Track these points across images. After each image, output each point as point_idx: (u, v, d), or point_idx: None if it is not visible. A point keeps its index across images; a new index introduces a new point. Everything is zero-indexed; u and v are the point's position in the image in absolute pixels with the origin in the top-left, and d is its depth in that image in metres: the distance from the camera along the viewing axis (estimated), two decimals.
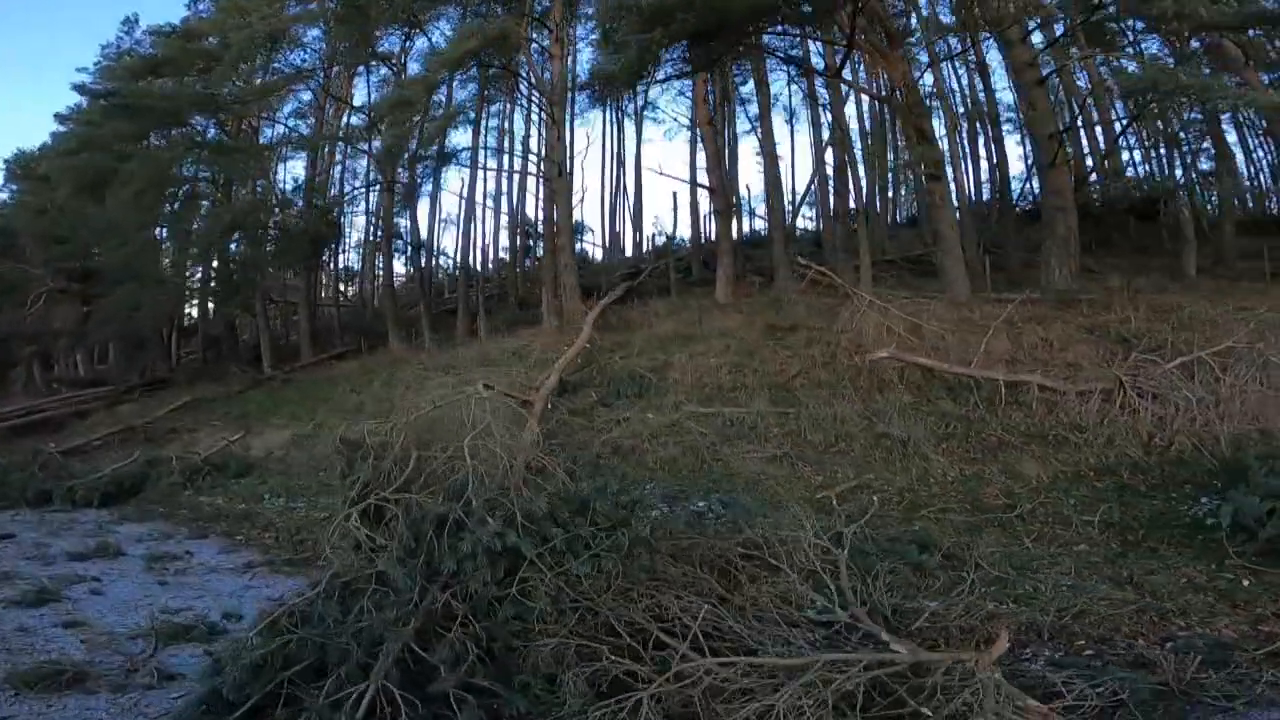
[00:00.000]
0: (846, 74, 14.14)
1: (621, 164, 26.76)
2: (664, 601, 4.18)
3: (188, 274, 18.58)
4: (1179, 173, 16.22)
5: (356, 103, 20.42)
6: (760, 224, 24.68)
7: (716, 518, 6.25)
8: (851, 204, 15.46)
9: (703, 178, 21.16)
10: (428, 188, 19.70)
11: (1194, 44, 13.24)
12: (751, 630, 3.85)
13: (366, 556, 4.58)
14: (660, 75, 12.10)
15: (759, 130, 16.89)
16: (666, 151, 73.41)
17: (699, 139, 18.36)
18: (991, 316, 10.83)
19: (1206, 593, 4.44)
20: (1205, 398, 7.83)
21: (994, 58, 15.68)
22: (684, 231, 31.18)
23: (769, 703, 2.89)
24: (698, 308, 14.77)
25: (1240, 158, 16.81)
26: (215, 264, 17.40)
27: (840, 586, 4.18)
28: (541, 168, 16.35)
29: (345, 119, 20.54)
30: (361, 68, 19.40)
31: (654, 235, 29.80)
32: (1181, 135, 14.96)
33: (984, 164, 20.70)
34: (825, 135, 21.01)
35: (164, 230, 18.39)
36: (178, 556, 6.90)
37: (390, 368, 14.95)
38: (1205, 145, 14.91)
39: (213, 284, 16.38)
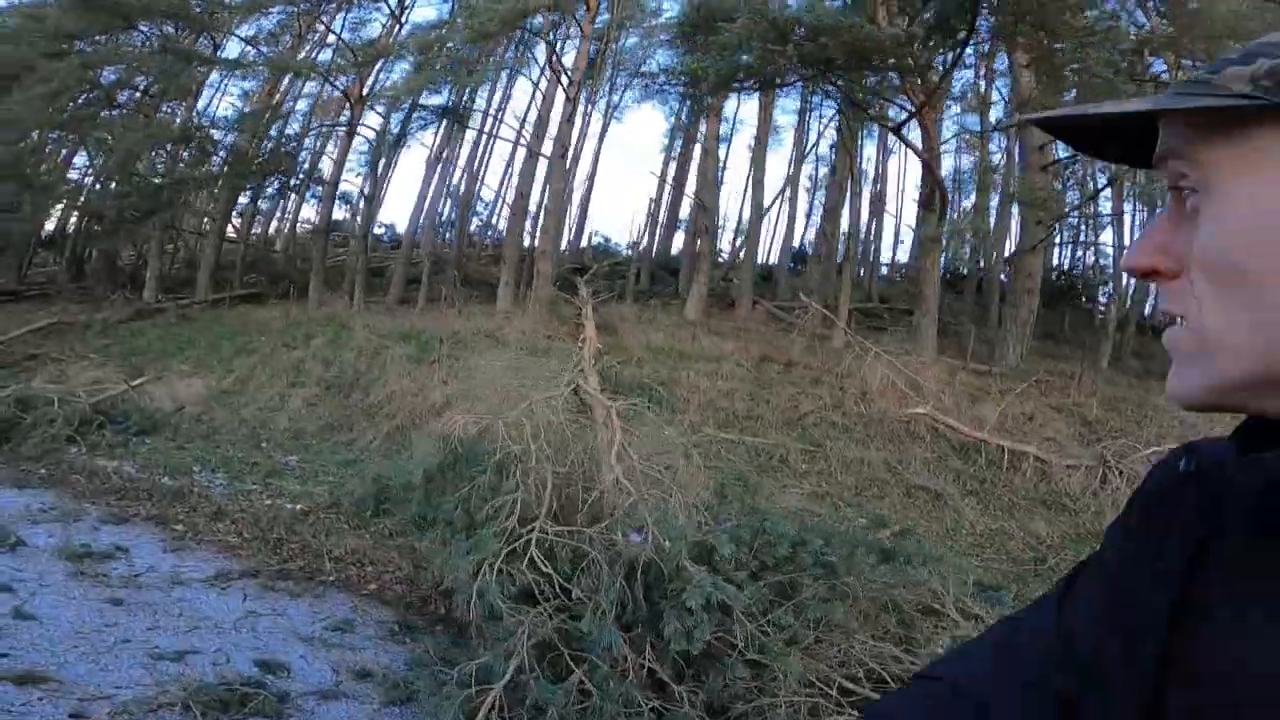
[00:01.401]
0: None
1: (576, 159, 25.32)
2: (852, 648, 3.69)
3: (78, 180, 14.68)
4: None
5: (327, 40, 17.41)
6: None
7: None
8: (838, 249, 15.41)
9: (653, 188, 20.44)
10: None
11: None
12: None
13: (548, 613, 3.34)
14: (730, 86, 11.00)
15: (752, 156, 16.40)
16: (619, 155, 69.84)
17: (700, 153, 17.50)
18: (971, 385, 11.12)
19: None
20: None
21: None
22: (625, 238, 30.30)
23: None
24: (675, 323, 13.96)
25: None
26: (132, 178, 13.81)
27: None
28: (548, 146, 14.65)
29: (315, 53, 17.44)
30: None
31: (591, 235, 28.66)
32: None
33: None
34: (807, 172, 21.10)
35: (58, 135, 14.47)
36: (109, 555, 4.87)
37: (328, 325, 12.58)
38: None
39: (129, 197, 12.86)
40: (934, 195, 12.67)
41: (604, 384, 9.25)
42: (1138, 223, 16.71)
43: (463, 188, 21.75)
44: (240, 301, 15.48)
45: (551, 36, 14.23)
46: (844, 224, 17.35)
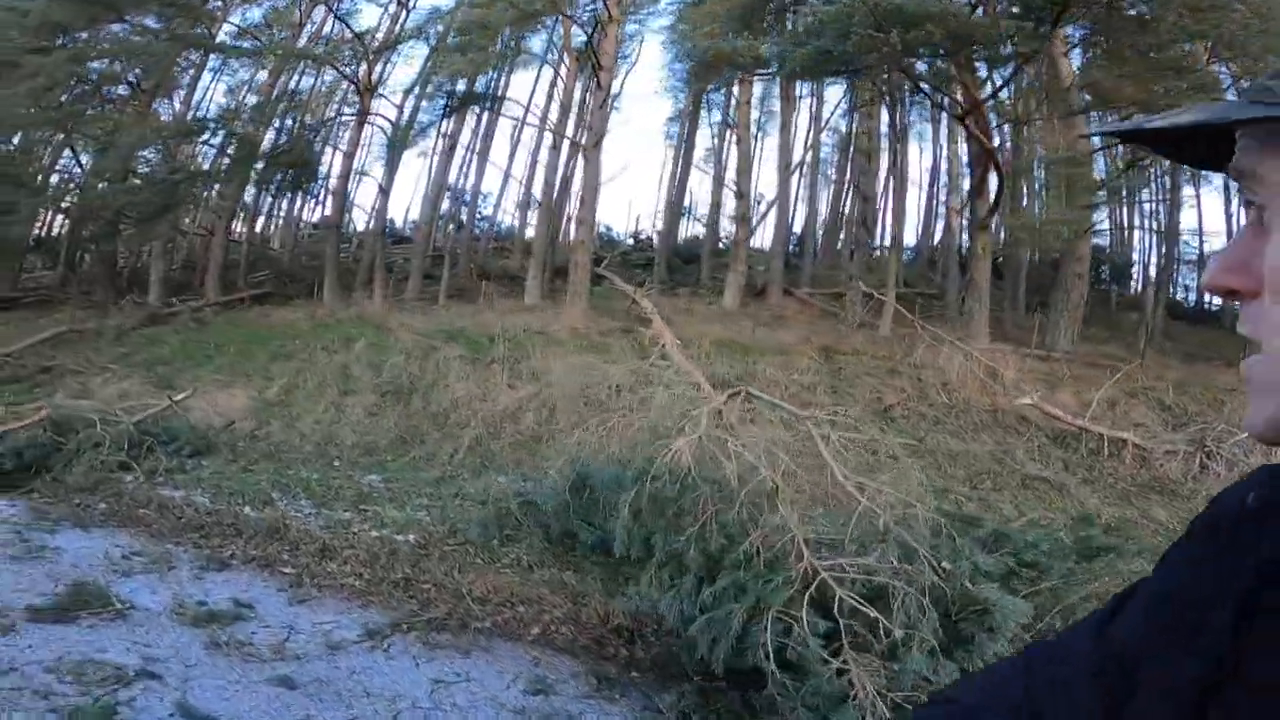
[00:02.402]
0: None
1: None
2: None
3: (69, 179, 13.19)
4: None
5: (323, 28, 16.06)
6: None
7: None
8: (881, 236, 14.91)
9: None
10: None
11: None
12: None
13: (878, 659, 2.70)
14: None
15: (779, 142, 15.73)
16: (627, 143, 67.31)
17: (731, 140, 16.70)
18: (1040, 371, 10.73)
19: None
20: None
21: None
22: (624, 228, 29.40)
23: None
24: (715, 313, 13.29)
25: None
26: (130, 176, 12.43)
27: None
28: (579, 135, 13.71)
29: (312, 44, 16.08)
30: None
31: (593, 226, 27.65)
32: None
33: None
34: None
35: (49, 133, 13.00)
36: (235, 615, 4.04)
37: (361, 325, 11.59)
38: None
39: (138, 194, 11.51)
40: (984, 182, 12.24)
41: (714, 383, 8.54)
42: (1158, 205, 16.59)
43: (469, 179, 20.67)
44: (254, 302, 14.31)
45: (585, 19, 13.26)
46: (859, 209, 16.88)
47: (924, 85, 10.71)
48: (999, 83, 9.51)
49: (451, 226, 21.32)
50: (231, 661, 3.46)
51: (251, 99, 17.34)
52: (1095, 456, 8.42)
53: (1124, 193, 13.76)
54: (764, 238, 24.14)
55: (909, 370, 10.00)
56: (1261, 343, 0.37)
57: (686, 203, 24.29)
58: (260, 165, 13.16)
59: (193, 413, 8.24)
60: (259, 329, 11.76)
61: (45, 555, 4.59)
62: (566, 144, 15.94)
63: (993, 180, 11.92)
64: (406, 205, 56.85)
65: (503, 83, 17.70)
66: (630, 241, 26.46)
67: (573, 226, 13.48)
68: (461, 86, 14.34)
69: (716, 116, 21.54)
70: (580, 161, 13.74)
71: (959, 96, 11.26)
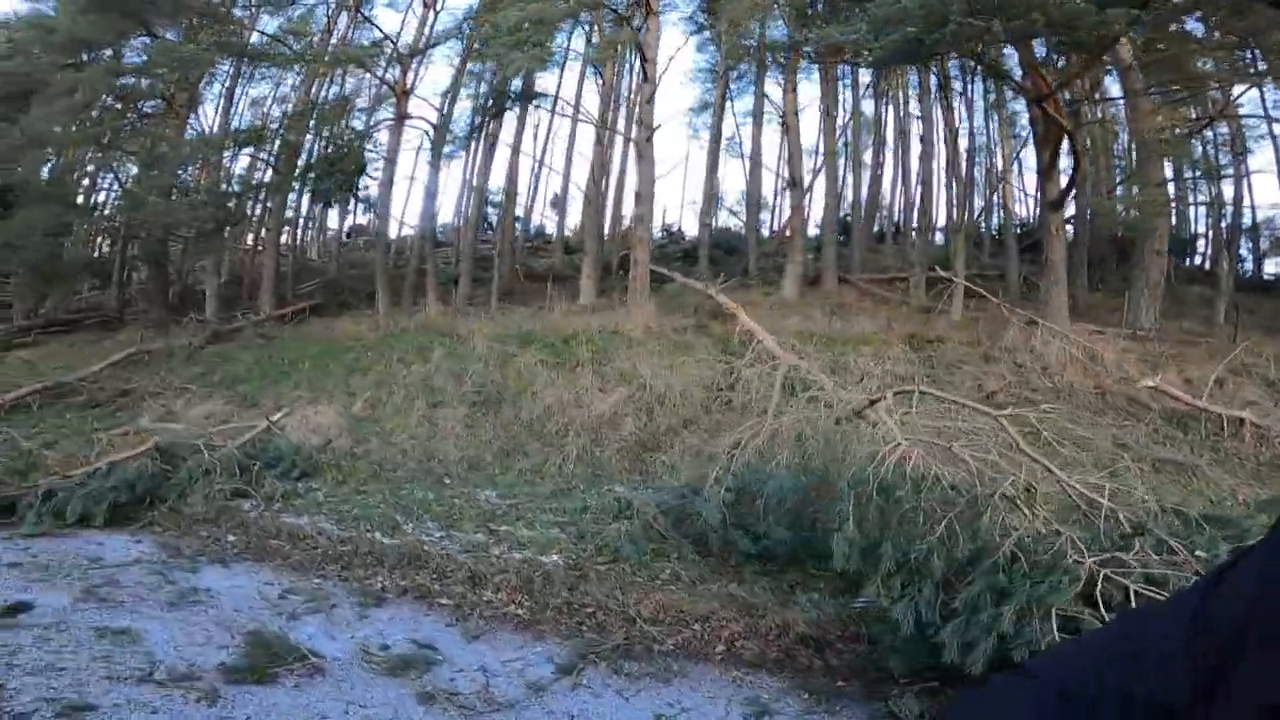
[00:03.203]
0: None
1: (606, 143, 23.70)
2: None
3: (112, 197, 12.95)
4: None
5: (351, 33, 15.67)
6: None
7: None
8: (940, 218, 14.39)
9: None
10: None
11: None
12: None
13: None
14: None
15: (823, 127, 15.21)
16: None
17: (760, 128, 16.17)
18: (1135, 352, 10.27)
19: None
20: None
21: None
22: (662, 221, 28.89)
23: None
24: (778, 303, 12.89)
25: None
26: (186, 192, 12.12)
27: None
28: (631, 130, 13.28)
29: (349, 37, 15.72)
30: None
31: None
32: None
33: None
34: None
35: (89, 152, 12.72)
36: (423, 659, 3.74)
37: (427, 334, 11.28)
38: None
39: (203, 209, 11.17)
40: (1054, 164, 11.74)
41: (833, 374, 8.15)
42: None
43: (501, 179, 20.25)
44: (306, 315, 14.06)
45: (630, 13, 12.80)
46: (887, 193, 16.27)
47: (996, 71, 10.20)
48: (1075, 66, 8.97)
49: (487, 228, 21.02)
50: (450, 716, 3.16)
51: (277, 111, 17.15)
52: (1216, 437, 8.02)
53: (1208, 171, 13.18)
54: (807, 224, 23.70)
55: (1002, 355, 9.59)
56: None
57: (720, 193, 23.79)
58: (313, 174, 12.79)
59: (286, 432, 7.98)
60: (326, 342, 11.49)
61: (200, 599, 4.32)
62: (609, 138, 15.51)
63: (1063, 161, 11.44)
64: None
65: (540, 80, 17.24)
66: (661, 234, 26.02)
67: (601, 222, 12.95)
68: (505, 85, 13.93)
69: (744, 106, 21.03)
70: (616, 156, 13.29)
71: (1031, 81, 10.77)
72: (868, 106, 21.04)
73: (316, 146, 15.37)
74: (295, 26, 16.23)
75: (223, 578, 4.76)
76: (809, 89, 19.06)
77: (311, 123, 14.45)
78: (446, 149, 15.06)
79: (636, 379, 8.74)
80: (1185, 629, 0.44)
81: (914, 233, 14.13)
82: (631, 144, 13.11)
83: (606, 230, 21.38)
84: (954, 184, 17.40)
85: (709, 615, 4.47)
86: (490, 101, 14.64)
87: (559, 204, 22.77)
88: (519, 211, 21.51)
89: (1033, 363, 9.26)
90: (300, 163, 14.02)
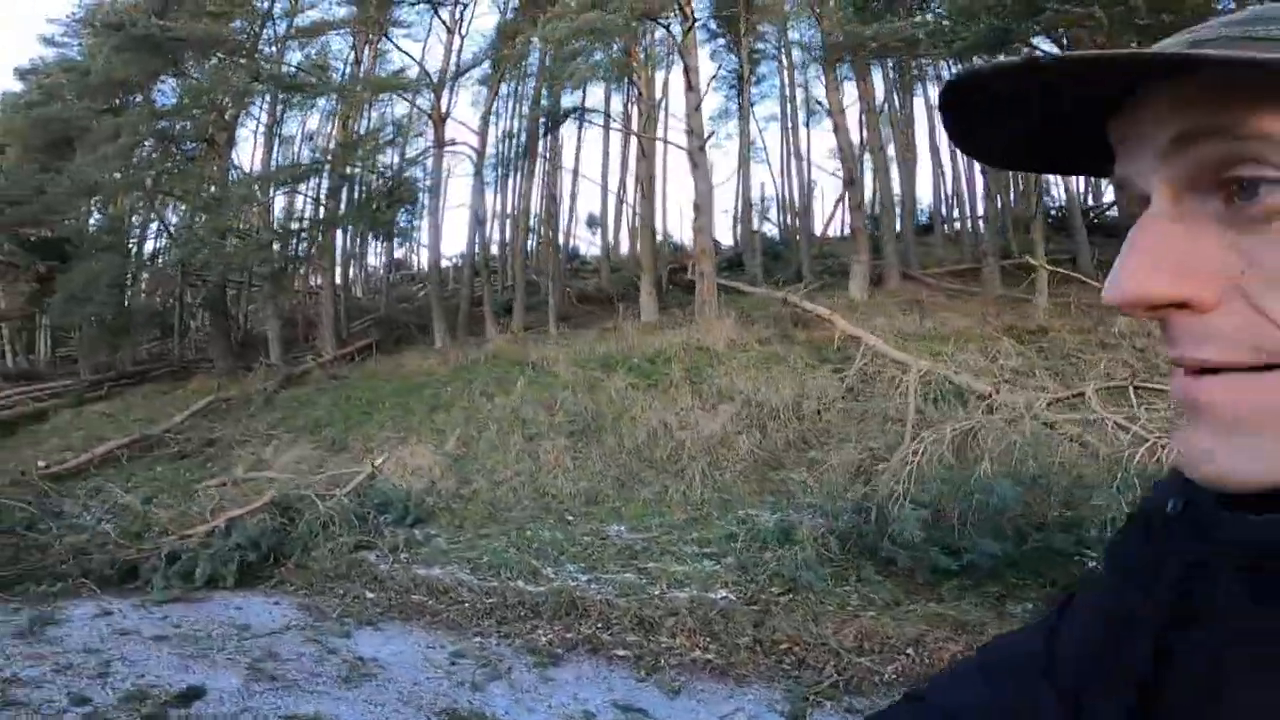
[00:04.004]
0: None
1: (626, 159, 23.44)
2: None
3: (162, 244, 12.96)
4: None
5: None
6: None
7: None
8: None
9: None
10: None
11: None
12: None
13: None
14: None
15: (865, 121, 14.81)
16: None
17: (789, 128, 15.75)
18: None
19: None
20: None
21: None
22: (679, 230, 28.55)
23: None
24: (847, 304, 12.41)
25: None
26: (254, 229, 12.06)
27: None
28: (684, 138, 13.00)
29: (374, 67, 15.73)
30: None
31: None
32: None
33: None
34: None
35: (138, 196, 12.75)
36: None
37: (499, 364, 11.00)
38: None
39: (266, 249, 11.07)
40: None
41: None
42: None
43: (541, 201, 20.10)
44: (368, 353, 13.90)
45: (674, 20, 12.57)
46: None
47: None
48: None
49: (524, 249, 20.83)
50: None
51: (307, 151, 17.17)
52: None
53: None
54: (835, 224, 23.25)
55: (1118, 340, 9.02)
56: (1223, 367, 0.30)
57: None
58: (374, 206, 12.66)
59: (385, 475, 7.68)
60: (398, 380, 11.27)
61: (370, 671, 3.96)
62: (653, 150, 15.26)
63: None
64: (467, 235, 56.70)
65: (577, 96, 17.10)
66: (715, 240, 25.64)
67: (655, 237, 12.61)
68: (556, 103, 13.75)
69: (763, 110, 20.71)
70: (658, 167, 13.00)
71: None
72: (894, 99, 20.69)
73: (363, 179, 15.30)
74: (319, 61, 16.30)
75: (379, 642, 4.40)
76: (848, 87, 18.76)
77: (359, 153, 14.36)
78: (491, 173, 14.86)
79: (738, 395, 8.33)
80: (1039, 656, 0.45)
81: (980, 221, 13.56)
82: (685, 153, 12.79)
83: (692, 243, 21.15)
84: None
85: (919, 639, 4.03)
86: (544, 119, 14.45)
87: (595, 223, 22.58)
88: (560, 234, 21.33)
89: (1153, 346, 8.68)
90: (351, 196, 13.89)
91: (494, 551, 5.79)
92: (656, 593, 4.92)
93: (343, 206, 12.96)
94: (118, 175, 12.87)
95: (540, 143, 15.63)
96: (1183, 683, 0.34)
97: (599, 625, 4.58)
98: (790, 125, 20.07)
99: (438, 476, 7.68)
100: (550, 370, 10.05)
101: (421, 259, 23.45)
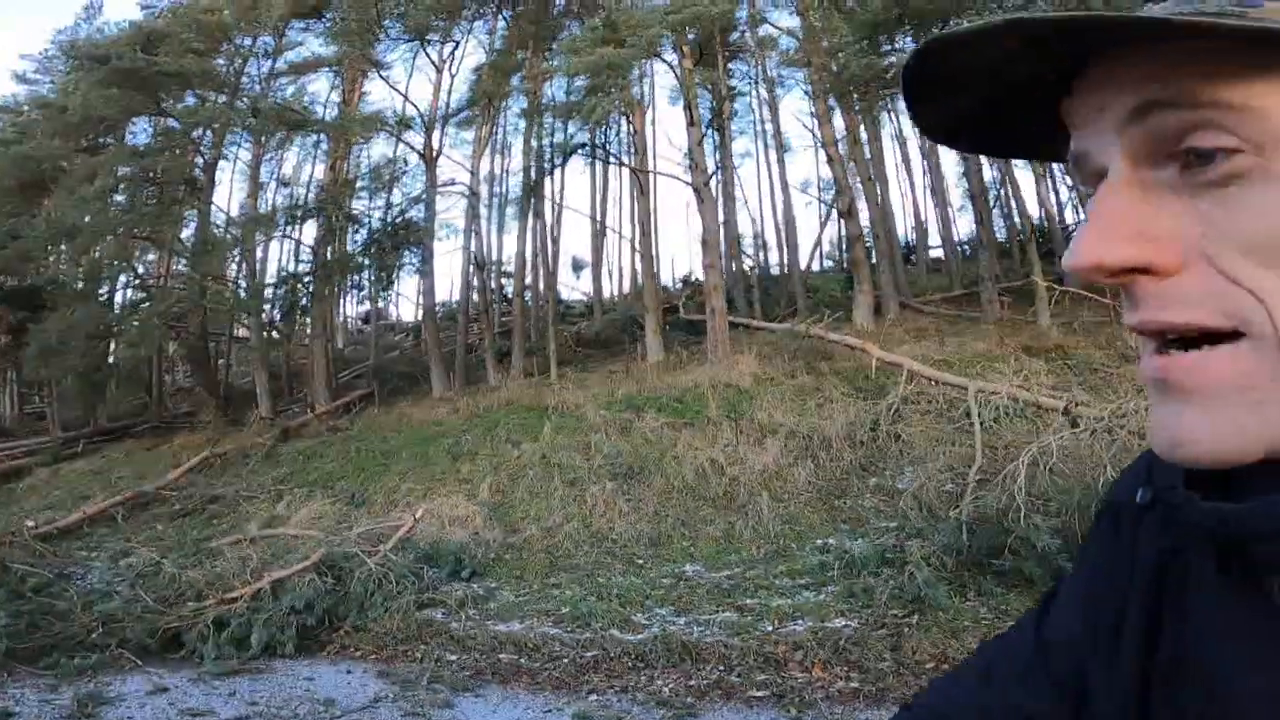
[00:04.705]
0: None
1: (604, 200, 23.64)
2: None
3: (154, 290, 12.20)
4: None
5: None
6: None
7: None
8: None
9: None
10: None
11: None
12: None
13: None
14: None
15: (869, 153, 15.40)
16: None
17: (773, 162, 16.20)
18: None
19: None
20: None
21: None
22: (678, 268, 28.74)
23: None
24: (875, 333, 12.56)
25: None
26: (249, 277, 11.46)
27: None
28: (685, 174, 13.18)
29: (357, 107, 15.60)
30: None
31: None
32: None
33: None
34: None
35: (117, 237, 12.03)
36: None
37: (514, 410, 10.63)
38: None
39: (273, 293, 10.50)
40: None
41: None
42: None
43: (538, 243, 20.00)
44: (363, 403, 13.29)
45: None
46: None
47: None
48: None
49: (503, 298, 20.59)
50: None
51: (285, 196, 16.76)
52: None
53: None
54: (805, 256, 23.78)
55: (1135, 353, 9.31)
56: (1195, 331, 0.30)
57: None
58: (376, 247, 12.28)
59: (425, 527, 7.19)
60: (407, 430, 10.75)
61: None
62: (650, 187, 15.45)
63: None
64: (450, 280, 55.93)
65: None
66: (678, 284, 25.89)
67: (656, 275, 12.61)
68: (567, 140, 13.83)
69: (740, 147, 21.32)
70: (651, 202, 13.14)
71: None
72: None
73: (366, 221, 14.94)
74: (297, 102, 16.05)
75: (486, 711, 3.98)
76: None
77: (361, 191, 14.03)
78: (486, 214, 14.74)
79: (780, 428, 8.21)
80: (1032, 653, 0.45)
81: (963, 248, 14.07)
82: (691, 189, 12.97)
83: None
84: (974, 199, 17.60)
85: None
86: (551, 156, 14.48)
87: (580, 266, 22.60)
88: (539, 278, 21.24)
89: None
90: (344, 240, 13.50)
91: (572, 602, 5.40)
92: (768, 629, 4.64)
93: (335, 250, 12.50)
94: (96, 219, 12.24)
95: (545, 181, 15.62)
96: (1169, 668, 0.34)
97: (721, 668, 4.26)
98: (770, 159, 20.68)
99: (480, 526, 7.23)
100: (574, 414, 9.75)
101: (400, 309, 22.90)
